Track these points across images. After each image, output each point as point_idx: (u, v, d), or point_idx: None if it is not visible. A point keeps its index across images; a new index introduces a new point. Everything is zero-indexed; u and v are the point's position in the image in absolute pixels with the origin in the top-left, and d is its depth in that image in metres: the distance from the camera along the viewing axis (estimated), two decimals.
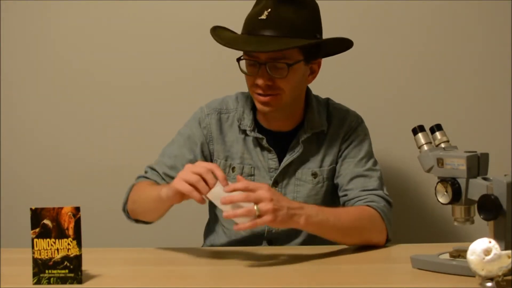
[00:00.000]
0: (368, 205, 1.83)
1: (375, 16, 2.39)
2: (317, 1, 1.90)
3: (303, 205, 1.68)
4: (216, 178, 1.62)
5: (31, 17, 2.44)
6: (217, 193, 1.59)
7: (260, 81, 1.81)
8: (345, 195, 1.91)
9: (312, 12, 1.86)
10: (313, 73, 1.91)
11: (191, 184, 1.61)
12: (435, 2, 2.38)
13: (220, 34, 1.89)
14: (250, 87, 1.87)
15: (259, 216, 1.58)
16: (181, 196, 1.64)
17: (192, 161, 1.91)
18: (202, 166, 1.63)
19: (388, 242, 1.85)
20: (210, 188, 1.60)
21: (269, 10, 1.80)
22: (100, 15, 2.43)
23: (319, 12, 1.88)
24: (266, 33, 1.79)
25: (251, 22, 1.83)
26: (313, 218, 1.67)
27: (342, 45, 1.94)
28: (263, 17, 1.80)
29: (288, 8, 1.81)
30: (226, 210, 1.60)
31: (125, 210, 1.93)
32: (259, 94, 1.84)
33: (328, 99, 2.02)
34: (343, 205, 1.93)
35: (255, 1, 1.90)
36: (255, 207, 1.58)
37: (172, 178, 1.86)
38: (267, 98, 1.83)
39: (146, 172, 1.97)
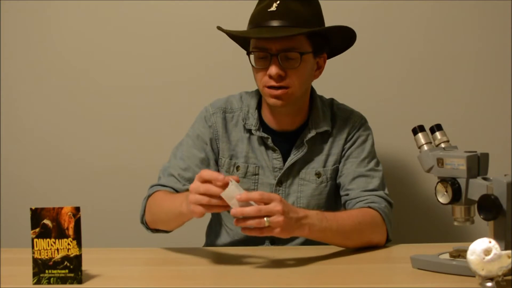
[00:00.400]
0: (369, 206, 1.84)
1: (375, 16, 2.39)
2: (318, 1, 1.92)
3: (307, 214, 1.67)
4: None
5: (31, 17, 2.44)
6: (230, 193, 1.57)
7: (273, 70, 1.81)
8: (347, 194, 1.92)
9: (316, 7, 1.90)
10: (319, 69, 1.93)
11: (205, 204, 1.59)
12: (435, 2, 2.38)
13: (228, 29, 1.92)
14: (261, 81, 1.86)
15: (268, 226, 1.58)
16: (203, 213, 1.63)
17: (204, 159, 1.94)
18: (203, 186, 1.58)
19: (389, 242, 1.85)
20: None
21: (278, 2, 1.83)
22: (101, 15, 2.43)
23: (320, 6, 1.91)
24: (276, 24, 1.82)
25: (260, 15, 1.85)
26: (316, 227, 1.67)
27: (346, 37, 1.94)
28: (273, 8, 1.83)
29: (296, 2, 1.84)
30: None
31: (143, 222, 1.91)
32: (271, 88, 1.84)
33: (332, 100, 2.03)
34: (344, 204, 1.93)
35: (257, 1, 1.91)
36: (265, 219, 1.57)
37: (187, 179, 1.90)
38: (279, 92, 1.83)
39: (159, 178, 1.95)
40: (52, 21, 2.44)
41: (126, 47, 2.44)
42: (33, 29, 2.45)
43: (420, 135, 1.69)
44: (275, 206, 1.57)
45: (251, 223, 1.57)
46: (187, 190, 1.87)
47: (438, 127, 1.71)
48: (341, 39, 1.95)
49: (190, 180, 1.90)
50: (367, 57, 2.40)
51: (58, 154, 2.47)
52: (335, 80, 2.35)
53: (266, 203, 1.57)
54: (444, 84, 2.41)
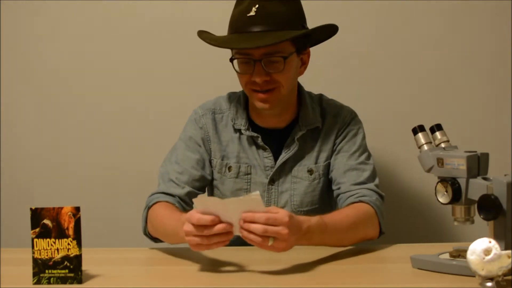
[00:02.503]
0: (360, 201, 1.84)
1: (376, 16, 2.39)
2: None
3: (309, 228, 1.64)
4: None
5: (31, 17, 2.44)
6: (206, 201, 1.57)
7: (258, 79, 1.81)
8: (338, 188, 1.92)
9: (296, 3, 1.88)
10: (304, 64, 1.92)
11: (206, 244, 1.57)
12: (435, 2, 2.38)
13: (208, 36, 1.90)
14: (246, 86, 1.86)
15: (271, 245, 1.56)
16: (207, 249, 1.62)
17: (199, 161, 1.94)
18: (197, 230, 1.56)
19: (382, 235, 1.85)
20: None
21: (257, 6, 1.80)
22: (100, 16, 2.43)
23: (301, 3, 1.89)
24: (257, 29, 1.80)
25: (240, 20, 1.83)
26: (316, 239, 1.67)
27: (328, 31, 1.93)
28: (252, 13, 1.80)
29: (275, 2, 1.81)
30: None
31: (146, 233, 1.89)
32: (257, 91, 1.84)
33: (321, 95, 2.01)
34: (336, 197, 1.92)
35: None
36: (270, 240, 1.55)
37: (185, 181, 1.90)
38: (266, 95, 1.83)
39: (159, 184, 1.93)
40: (52, 21, 2.44)
41: (127, 48, 2.44)
42: (33, 29, 2.45)
43: (420, 135, 1.69)
44: (282, 230, 1.54)
45: (254, 240, 1.55)
46: (187, 193, 1.90)
47: (438, 127, 1.71)
48: (324, 33, 1.94)
49: (188, 183, 1.91)
50: (367, 57, 2.40)
51: (58, 154, 2.47)
52: (335, 80, 2.35)
53: (272, 224, 1.54)
54: (444, 84, 2.41)
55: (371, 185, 1.89)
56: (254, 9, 1.81)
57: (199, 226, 1.54)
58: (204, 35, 1.91)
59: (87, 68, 2.45)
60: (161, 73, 2.44)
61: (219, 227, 1.54)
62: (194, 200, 1.57)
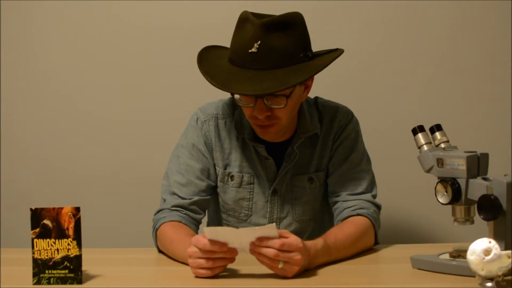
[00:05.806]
0: (358, 214, 1.81)
1: (376, 16, 2.39)
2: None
3: (316, 253, 1.63)
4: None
5: (31, 17, 2.44)
6: (217, 231, 1.57)
7: (259, 114, 1.75)
8: (334, 196, 1.89)
9: (300, 30, 1.77)
10: (307, 88, 1.85)
11: (209, 267, 1.57)
12: (435, 2, 2.38)
13: (208, 65, 1.81)
14: (247, 116, 1.82)
15: (281, 268, 1.55)
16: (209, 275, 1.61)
17: (204, 170, 1.89)
18: (203, 253, 1.56)
19: (376, 245, 1.84)
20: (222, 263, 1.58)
21: (259, 42, 1.70)
22: (101, 16, 2.43)
23: (305, 23, 1.78)
24: (259, 67, 1.71)
25: (242, 55, 1.73)
26: (320, 261, 1.65)
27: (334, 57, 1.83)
28: (254, 50, 1.70)
29: (278, 35, 1.71)
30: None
31: (161, 252, 1.84)
32: (258, 125, 1.81)
33: (316, 98, 1.97)
34: (332, 204, 1.90)
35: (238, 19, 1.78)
36: (280, 263, 1.54)
37: (190, 193, 1.86)
38: (266, 129, 1.80)
39: (163, 200, 1.88)
40: (52, 21, 2.44)
41: (127, 48, 2.43)
42: (33, 29, 2.44)
43: (420, 135, 1.69)
44: (296, 255, 1.54)
45: (264, 261, 1.55)
46: (194, 202, 1.86)
47: (438, 127, 1.71)
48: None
49: (194, 193, 1.87)
50: (368, 57, 2.40)
51: (58, 154, 2.47)
52: (335, 80, 2.35)
53: (287, 250, 1.54)
54: (444, 84, 2.41)
55: (368, 196, 1.87)
56: (256, 45, 1.70)
57: (205, 251, 1.55)
58: (203, 62, 1.82)
59: (88, 68, 2.45)
60: (161, 74, 2.44)
61: (225, 250, 1.55)
62: (204, 229, 1.56)
